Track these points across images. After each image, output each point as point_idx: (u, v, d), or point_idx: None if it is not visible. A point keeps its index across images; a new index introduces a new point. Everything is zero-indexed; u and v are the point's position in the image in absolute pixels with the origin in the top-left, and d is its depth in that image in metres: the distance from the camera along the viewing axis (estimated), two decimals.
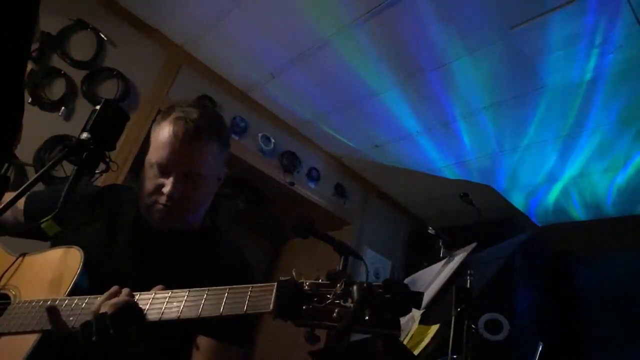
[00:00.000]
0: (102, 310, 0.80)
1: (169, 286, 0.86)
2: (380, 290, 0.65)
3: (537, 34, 2.13)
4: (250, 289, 0.74)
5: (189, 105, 1.09)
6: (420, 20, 2.19)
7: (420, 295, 0.65)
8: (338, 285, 0.68)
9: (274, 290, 0.71)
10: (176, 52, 2.73)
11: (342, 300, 0.67)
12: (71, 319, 0.84)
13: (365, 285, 0.64)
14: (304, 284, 0.71)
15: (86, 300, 0.87)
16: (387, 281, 0.66)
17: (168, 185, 1.03)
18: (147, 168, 1.09)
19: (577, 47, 2.16)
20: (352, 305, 0.65)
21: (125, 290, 0.85)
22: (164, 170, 1.05)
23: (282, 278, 0.72)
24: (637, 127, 2.59)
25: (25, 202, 1.17)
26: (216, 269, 1.09)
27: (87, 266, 0.96)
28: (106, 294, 0.85)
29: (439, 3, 2.09)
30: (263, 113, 3.11)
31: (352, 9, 2.21)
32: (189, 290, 0.81)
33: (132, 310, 0.81)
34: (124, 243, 1.09)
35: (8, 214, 1.16)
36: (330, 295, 0.68)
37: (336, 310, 0.66)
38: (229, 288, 0.76)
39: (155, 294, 0.84)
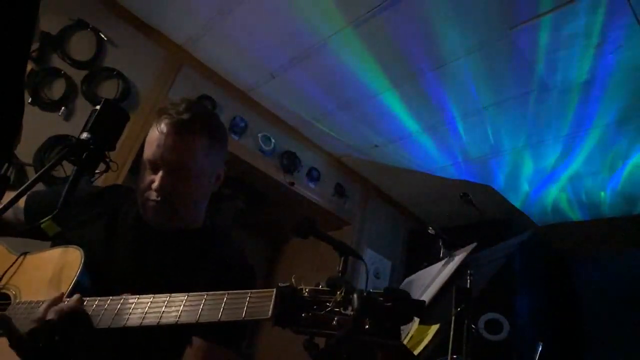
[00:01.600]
0: (48, 317, 0.80)
1: (169, 286, 0.85)
2: (381, 298, 0.64)
3: (537, 34, 2.12)
4: (249, 294, 0.73)
5: (179, 103, 1.10)
6: (419, 20, 2.18)
7: (421, 303, 0.64)
8: (338, 292, 0.67)
9: (273, 297, 0.70)
10: (176, 52, 2.72)
11: (342, 308, 0.66)
12: (23, 324, 0.84)
13: (365, 293, 0.63)
14: (304, 291, 0.70)
15: (32, 306, 0.87)
16: (388, 289, 0.65)
17: (157, 180, 1.04)
18: (141, 167, 1.10)
19: (576, 47, 2.15)
20: (352, 313, 0.64)
21: (75, 297, 0.85)
22: (153, 166, 1.06)
23: (281, 284, 0.71)
24: (635, 127, 2.59)
25: (26, 201, 1.18)
26: (217, 269, 1.09)
27: (88, 266, 0.96)
28: (49, 301, 0.85)
29: (439, 3, 2.08)
30: (263, 113, 3.10)
31: (352, 10, 2.21)
32: (188, 295, 0.80)
33: (77, 316, 0.81)
34: (125, 243, 1.09)
35: (9, 213, 1.16)
36: (330, 302, 0.67)
37: (336, 319, 0.65)
38: (228, 293, 0.76)
39: (153, 297, 0.83)
